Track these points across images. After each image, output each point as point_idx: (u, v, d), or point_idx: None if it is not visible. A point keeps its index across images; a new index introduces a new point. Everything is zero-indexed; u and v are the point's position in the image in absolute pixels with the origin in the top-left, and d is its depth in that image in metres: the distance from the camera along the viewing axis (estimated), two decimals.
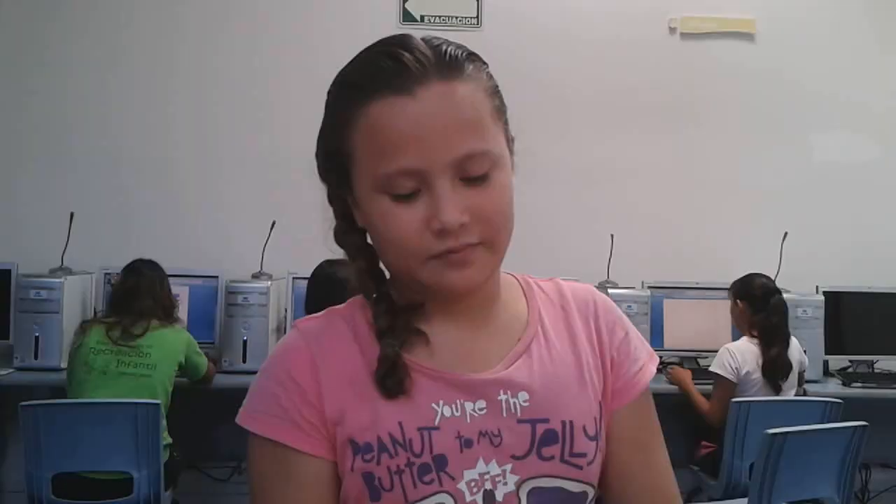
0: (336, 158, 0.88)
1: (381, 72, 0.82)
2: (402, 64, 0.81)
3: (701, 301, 3.97)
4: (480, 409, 0.86)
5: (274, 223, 3.85)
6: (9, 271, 3.67)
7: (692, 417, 3.51)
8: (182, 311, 3.60)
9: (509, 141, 0.90)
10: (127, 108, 4.08)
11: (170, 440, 3.07)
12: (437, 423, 0.85)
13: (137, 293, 3.15)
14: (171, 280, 3.37)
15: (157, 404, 2.87)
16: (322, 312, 0.94)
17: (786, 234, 4.02)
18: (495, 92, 0.88)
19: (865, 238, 4.28)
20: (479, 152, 0.82)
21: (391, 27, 4.10)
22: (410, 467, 0.83)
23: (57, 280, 3.55)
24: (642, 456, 0.94)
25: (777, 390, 3.28)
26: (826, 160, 4.38)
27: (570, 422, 0.88)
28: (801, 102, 4.36)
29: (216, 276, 3.82)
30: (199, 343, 3.36)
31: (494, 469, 0.85)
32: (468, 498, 0.84)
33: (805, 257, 4.06)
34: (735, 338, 3.53)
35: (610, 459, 0.92)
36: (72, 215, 3.77)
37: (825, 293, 3.95)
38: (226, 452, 3.91)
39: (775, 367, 3.27)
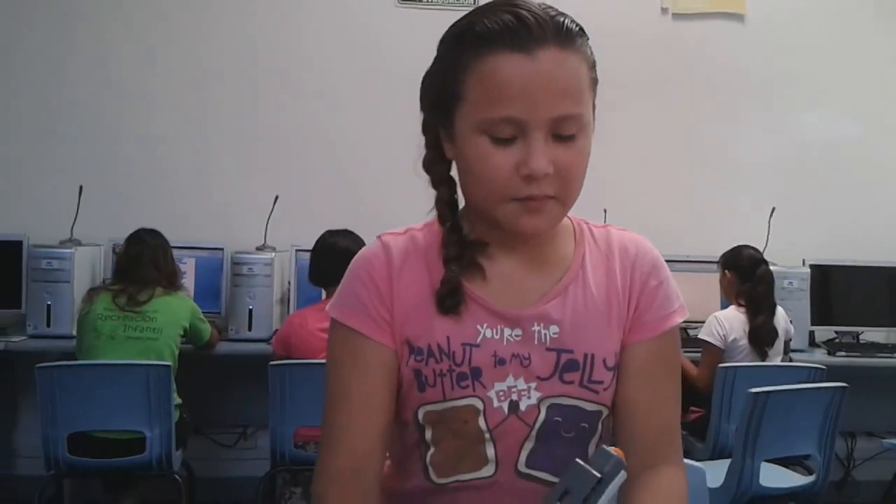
0: (444, 96, 1.00)
1: (506, 27, 0.94)
2: (525, 25, 0.94)
3: (691, 273, 4.09)
4: (516, 336, 1.02)
5: (277, 197, 3.96)
6: (20, 243, 3.79)
7: (682, 386, 3.64)
8: (189, 282, 3.75)
9: (594, 110, 1.05)
10: (134, 84, 4.19)
11: (179, 401, 3.19)
12: (478, 341, 1.01)
13: (141, 261, 3.27)
14: (177, 252, 3.50)
15: (168, 366, 2.99)
16: (402, 229, 1.09)
17: (773, 209, 4.15)
18: (594, 66, 1.04)
19: (851, 213, 4.43)
20: (574, 115, 0.97)
21: (389, 7, 4.21)
22: (451, 373, 1.00)
23: (67, 250, 3.67)
24: (650, 390, 1.06)
25: (763, 357, 3.41)
26: (813, 137, 4.51)
27: (592, 354, 1.03)
28: (789, 81, 4.49)
29: (221, 248, 3.93)
30: (205, 313, 3.48)
31: (521, 385, 1.01)
32: (495, 404, 1.00)
33: (792, 232, 4.20)
34: (724, 308, 3.66)
35: (620, 387, 1.05)
36: (81, 188, 3.88)
37: (811, 266, 4.09)
38: (232, 418, 4.06)
39: (761, 335, 3.41)
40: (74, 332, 3.56)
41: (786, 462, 3.10)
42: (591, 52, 1.02)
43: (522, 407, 1.01)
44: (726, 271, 3.59)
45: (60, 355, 3.58)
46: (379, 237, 1.08)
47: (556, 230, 1.08)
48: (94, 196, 3.96)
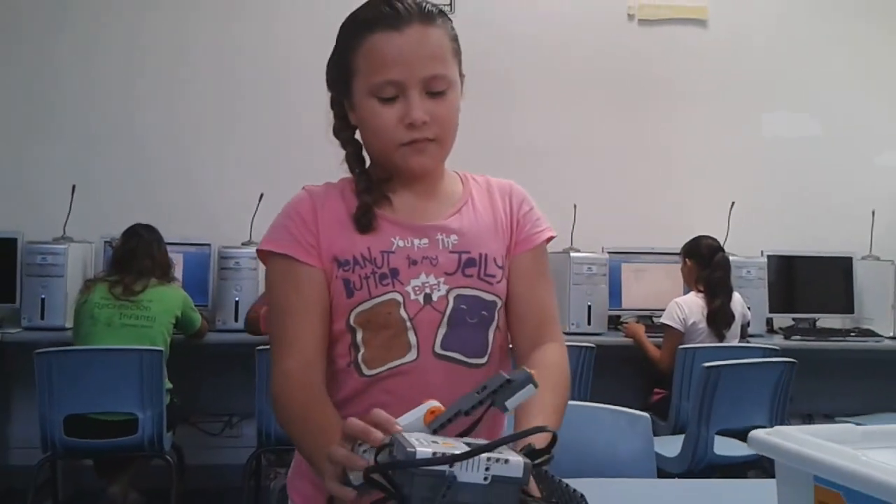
0: (342, 73, 1.26)
1: (382, 14, 1.21)
2: (395, 10, 1.20)
3: (656, 265, 4.32)
4: (424, 244, 1.26)
5: (262, 195, 4.13)
6: (15, 240, 3.94)
7: (646, 369, 3.86)
8: (177, 276, 3.90)
9: (461, 76, 1.29)
10: (123, 86, 4.38)
11: (170, 385, 3.35)
12: (393, 248, 1.25)
13: (137, 254, 3.45)
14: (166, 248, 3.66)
15: (160, 351, 3.17)
16: (322, 183, 1.33)
17: (733, 203, 4.38)
18: (455, 39, 1.28)
19: (807, 207, 4.68)
20: (441, 75, 1.22)
21: None
22: (374, 275, 1.23)
23: (61, 246, 3.84)
24: (532, 285, 1.32)
25: (721, 339, 3.63)
26: (772, 136, 4.77)
27: (485, 254, 1.28)
28: (749, 83, 4.73)
29: (208, 245, 4.11)
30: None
31: (432, 280, 1.24)
32: (412, 297, 1.23)
33: (751, 224, 4.43)
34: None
35: (510, 287, 1.31)
36: (73, 188, 4.05)
37: (769, 256, 4.32)
38: (218, 407, 4.21)
39: (718, 317, 3.62)
40: (67, 325, 3.73)
41: (742, 436, 3.31)
42: (453, 29, 1.26)
43: (434, 298, 1.23)
44: (687, 260, 3.82)
45: (54, 346, 3.74)
46: (303, 188, 1.32)
47: (446, 176, 1.34)
48: (86, 195, 4.12)
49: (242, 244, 4.07)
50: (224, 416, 4.25)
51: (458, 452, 0.80)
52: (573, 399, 1.44)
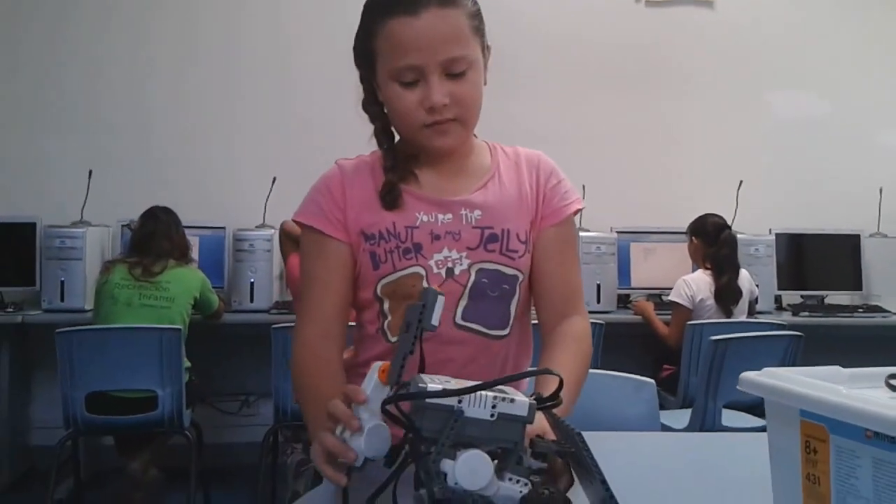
0: (366, 55, 1.29)
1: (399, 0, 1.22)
2: None
3: (664, 244, 4.36)
4: (448, 219, 1.30)
5: (275, 179, 4.21)
6: (34, 224, 4.03)
7: (655, 346, 3.91)
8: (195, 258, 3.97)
9: (484, 50, 1.30)
10: (143, 74, 4.47)
11: (189, 364, 3.42)
12: (417, 224, 1.29)
13: (155, 236, 3.52)
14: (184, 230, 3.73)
15: (179, 329, 3.24)
16: (355, 157, 1.38)
17: (741, 182, 4.41)
18: (475, 15, 1.27)
19: (815, 185, 4.72)
20: (460, 56, 1.23)
21: None
22: (398, 249, 1.28)
23: (80, 230, 3.92)
24: (559, 260, 1.35)
25: (728, 315, 3.68)
26: (779, 116, 4.81)
27: (508, 230, 1.31)
28: (757, 63, 4.76)
29: (223, 227, 4.18)
30: None
31: (454, 255, 1.29)
32: (435, 270, 1.28)
33: (760, 203, 4.47)
34: None
35: (536, 261, 1.35)
36: (90, 173, 4.13)
37: (777, 234, 4.36)
38: (235, 387, 4.30)
39: (726, 294, 3.67)
40: (87, 306, 3.82)
41: (749, 409, 3.36)
42: (474, 3, 1.27)
43: (456, 272, 1.28)
44: (693, 238, 3.86)
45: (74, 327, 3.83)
46: (336, 162, 1.36)
47: (474, 149, 1.37)
48: (103, 180, 4.20)
49: (256, 227, 4.15)
50: (241, 396, 4.34)
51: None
52: None
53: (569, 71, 4.65)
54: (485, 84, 1.29)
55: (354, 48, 1.33)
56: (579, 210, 1.38)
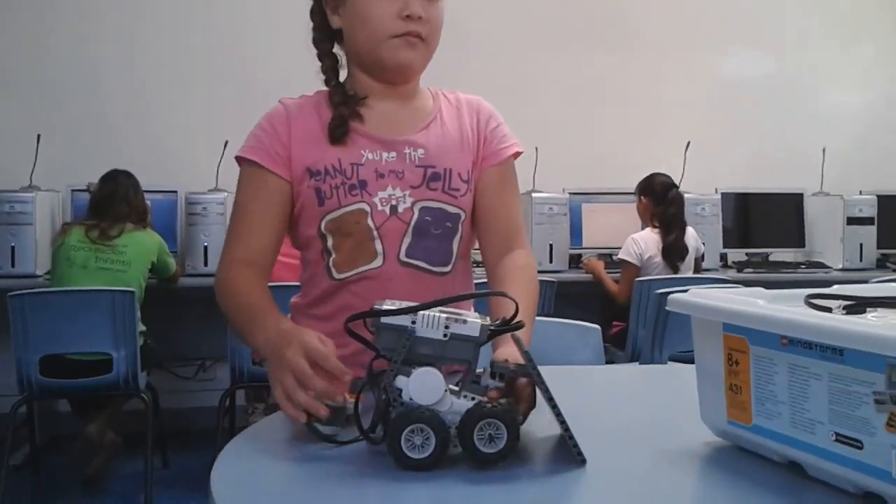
0: None
1: None
2: None
3: (615, 204, 4.45)
4: (392, 157, 1.34)
5: (227, 142, 4.18)
6: None
7: (605, 304, 4.00)
8: None
9: None
10: (92, 34, 4.40)
11: (144, 328, 3.42)
12: (362, 161, 1.33)
13: (114, 199, 3.50)
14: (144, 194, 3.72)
15: (132, 292, 3.23)
16: (298, 96, 1.40)
17: (688, 143, 4.51)
18: None
19: (761, 145, 4.84)
20: None
21: None
22: (343, 185, 1.31)
23: (29, 195, 3.87)
24: (499, 199, 1.41)
25: (675, 271, 3.77)
26: (726, 76, 4.92)
27: (450, 169, 1.36)
28: (704, 23, 4.87)
29: (175, 191, 4.16)
30: None
31: (398, 193, 1.33)
32: (379, 208, 1.32)
33: (707, 163, 4.57)
34: None
35: (478, 200, 1.40)
36: (38, 137, 4.07)
37: (723, 194, 4.47)
38: (191, 352, 4.30)
39: (673, 251, 3.77)
40: (38, 272, 3.79)
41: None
42: None
43: (400, 209, 1.32)
44: (642, 197, 3.95)
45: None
46: (279, 100, 1.39)
47: (419, 92, 1.41)
48: (52, 145, 4.14)
49: (209, 190, 4.13)
50: (197, 361, 4.34)
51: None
52: None
53: (519, 32, 4.70)
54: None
55: None
56: (518, 153, 1.44)
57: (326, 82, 1.37)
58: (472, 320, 0.94)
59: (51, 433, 4.10)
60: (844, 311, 0.87)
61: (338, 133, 1.31)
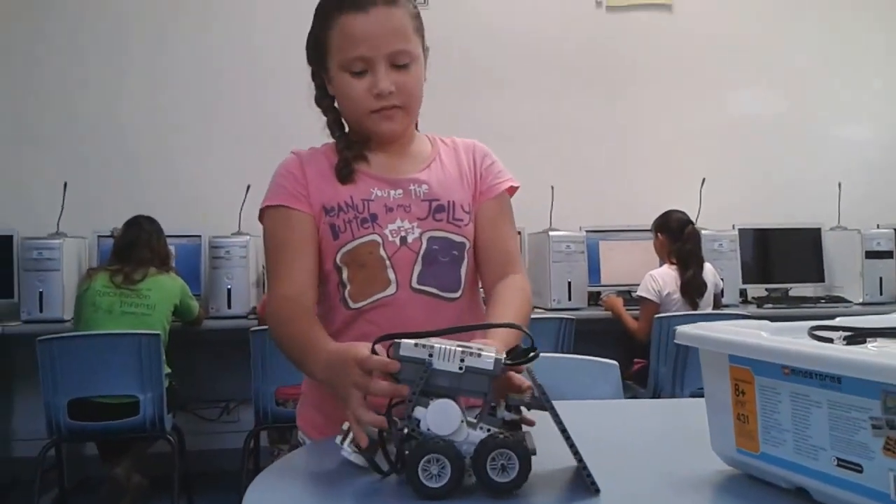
0: (318, 50, 1.43)
1: None
2: None
3: (632, 241, 4.48)
4: (399, 194, 1.43)
5: (249, 187, 4.27)
6: (11, 237, 4.08)
7: (626, 341, 4.02)
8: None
9: (425, 50, 1.45)
10: (116, 88, 4.54)
11: (169, 370, 3.48)
12: (372, 197, 1.42)
13: (137, 244, 3.60)
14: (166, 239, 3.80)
15: (158, 334, 3.30)
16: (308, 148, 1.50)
17: (704, 179, 4.55)
18: (416, 17, 1.44)
19: (776, 182, 4.87)
20: (404, 50, 1.38)
21: None
22: (356, 219, 1.40)
23: (56, 241, 3.97)
24: (495, 230, 1.49)
25: (694, 307, 3.79)
26: (738, 113, 4.97)
27: (453, 201, 1.45)
28: (716, 63, 4.93)
29: (199, 235, 4.25)
30: None
31: (407, 224, 1.41)
32: (390, 238, 1.40)
33: (722, 200, 4.60)
34: None
35: (476, 231, 1.48)
36: (65, 185, 4.18)
37: (740, 230, 4.49)
38: (215, 394, 4.35)
39: (691, 287, 3.79)
40: (66, 316, 3.87)
41: None
42: (415, 7, 1.43)
43: (409, 240, 1.40)
44: (658, 234, 3.99)
45: None
46: (291, 151, 1.48)
47: (416, 139, 1.52)
48: (78, 192, 4.25)
49: (232, 234, 4.21)
50: (221, 402, 4.39)
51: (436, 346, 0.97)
52: None
53: (535, 76, 4.79)
54: (425, 80, 1.44)
55: (307, 45, 1.46)
56: (514, 188, 1.52)
57: (332, 133, 1.48)
58: (487, 354, 0.98)
59: (78, 476, 4.14)
60: (845, 342, 0.90)
61: (344, 173, 1.42)
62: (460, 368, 0.97)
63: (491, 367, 0.97)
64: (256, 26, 4.63)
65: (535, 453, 0.97)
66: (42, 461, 3.33)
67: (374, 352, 1.04)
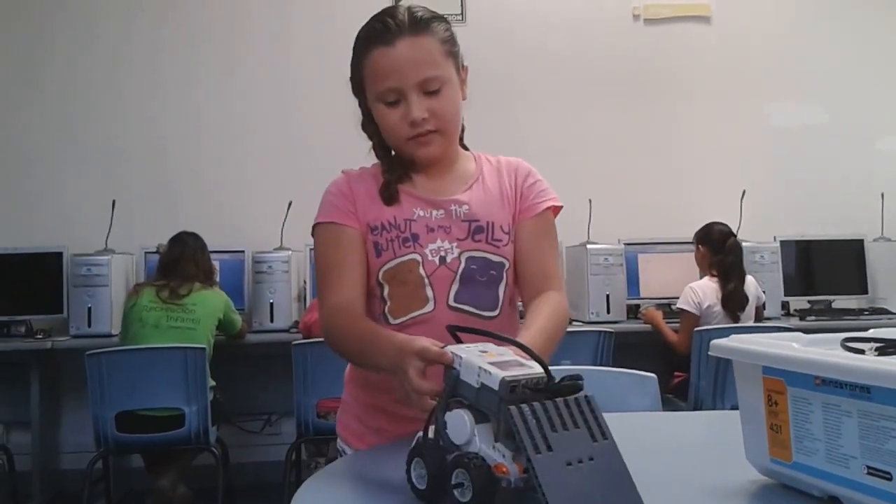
0: (357, 83, 1.49)
1: (376, 32, 1.42)
2: (387, 27, 1.41)
3: (672, 254, 4.47)
4: (440, 215, 1.47)
5: (290, 203, 4.35)
6: (61, 254, 4.19)
7: (666, 354, 4.00)
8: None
9: (459, 70, 1.48)
10: (160, 109, 4.66)
11: (213, 383, 3.55)
12: (414, 217, 1.46)
13: (182, 260, 3.68)
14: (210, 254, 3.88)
15: (203, 348, 3.37)
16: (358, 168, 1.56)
17: (744, 192, 4.52)
18: (448, 40, 1.45)
19: (818, 193, 4.83)
20: (433, 77, 1.41)
21: None
22: (398, 238, 1.44)
23: (105, 258, 4.08)
24: (535, 247, 1.51)
25: (736, 320, 3.76)
26: (779, 125, 4.94)
27: (492, 222, 1.48)
28: (755, 74, 4.91)
29: (242, 251, 4.33)
30: None
31: (446, 245, 1.45)
32: (430, 258, 1.44)
33: (764, 212, 4.58)
34: None
35: (516, 248, 1.50)
36: (113, 203, 4.29)
37: (782, 241, 4.46)
38: (257, 407, 4.41)
39: (733, 300, 3.77)
40: (114, 331, 3.95)
41: None
42: (446, 31, 1.45)
43: (448, 259, 1.44)
44: (700, 246, 3.97)
45: None
46: (341, 171, 1.53)
47: (460, 157, 1.55)
48: (125, 210, 4.37)
49: (274, 249, 4.28)
50: (263, 415, 4.45)
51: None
52: None
53: (573, 89, 4.81)
54: (464, 98, 1.48)
55: (350, 78, 1.51)
56: (557, 208, 1.53)
57: (377, 156, 1.52)
58: (495, 373, 0.96)
59: (125, 488, 4.22)
60: (876, 353, 0.91)
61: (387, 195, 1.46)
62: (477, 383, 0.98)
63: (496, 388, 0.95)
64: (295, 42, 4.72)
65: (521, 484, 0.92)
66: (90, 473, 3.41)
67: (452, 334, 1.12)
